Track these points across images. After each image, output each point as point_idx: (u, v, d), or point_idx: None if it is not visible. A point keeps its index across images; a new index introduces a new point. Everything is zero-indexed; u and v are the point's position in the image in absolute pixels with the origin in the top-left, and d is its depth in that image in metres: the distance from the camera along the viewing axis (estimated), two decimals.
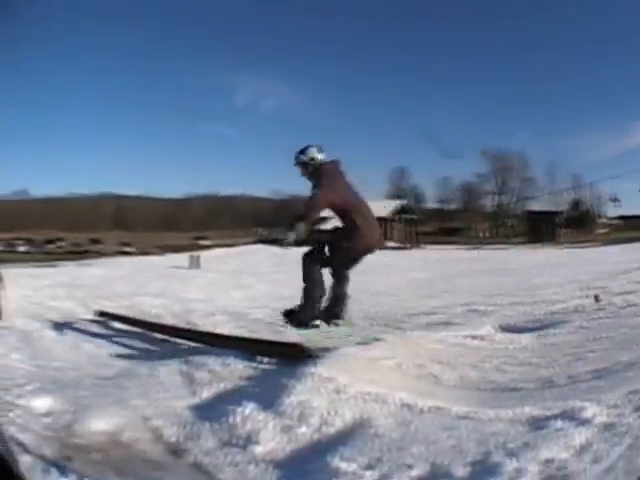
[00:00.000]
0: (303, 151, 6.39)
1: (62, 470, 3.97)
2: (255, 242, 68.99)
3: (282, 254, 39.92)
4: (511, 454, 3.05)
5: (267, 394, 5.02)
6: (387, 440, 3.69)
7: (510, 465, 2.92)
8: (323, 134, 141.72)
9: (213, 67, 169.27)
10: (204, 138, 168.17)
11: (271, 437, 4.22)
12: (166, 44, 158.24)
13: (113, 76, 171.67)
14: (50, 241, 69.09)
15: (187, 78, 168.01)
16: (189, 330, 9.99)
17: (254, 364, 6.70)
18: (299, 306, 7.01)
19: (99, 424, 5.00)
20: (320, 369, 5.19)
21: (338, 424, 4.19)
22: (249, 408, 4.70)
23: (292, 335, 9.24)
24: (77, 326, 11.08)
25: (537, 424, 3.60)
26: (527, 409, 3.87)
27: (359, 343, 6.49)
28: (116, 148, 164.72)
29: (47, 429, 4.92)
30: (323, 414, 4.32)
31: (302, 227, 6.52)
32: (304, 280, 6.89)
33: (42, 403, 5.58)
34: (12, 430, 4.56)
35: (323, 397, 4.58)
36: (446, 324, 9.24)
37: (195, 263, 31.16)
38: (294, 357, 6.21)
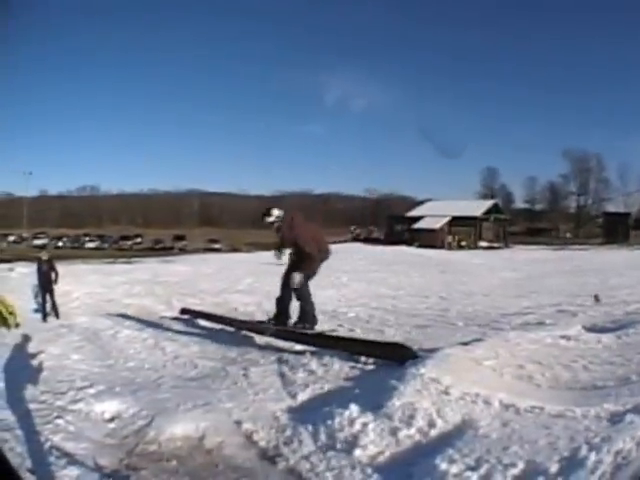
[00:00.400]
0: (268, 213, 8.79)
1: None
2: (350, 240, 73.09)
3: (380, 252, 41.20)
4: (593, 448, 3.60)
5: (371, 395, 5.17)
6: (489, 441, 4.02)
7: (592, 458, 3.47)
8: (412, 134, 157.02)
9: (304, 67, 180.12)
10: (296, 137, 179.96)
11: (375, 440, 4.38)
12: (256, 42, 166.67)
13: (203, 75, 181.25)
14: (126, 237, 72.46)
15: (278, 78, 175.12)
16: (283, 329, 9.97)
17: (354, 364, 6.92)
18: (274, 316, 9.14)
19: (178, 429, 5.06)
20: (425, 370, 5.42)
21: (443, 426, 4.42)
22: (353, 410, 4.81)
23: (393, 334, 9.91)
24: (157, 324, 11.43)
25: (614, 419, 4.22)
26: (606, 406, 4.53)
27: None
28: (204, 145, 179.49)
29: (109, 436, 5.05)
30: (429, 416, 4.52)
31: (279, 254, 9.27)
32: (300, 299, 8.72)
33: (106, 407, 5.73)
34: (56, 439, 4.68)
35: (429, 399, 4.81)
36: (539, 324, 10.11)
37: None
38: (397, 357, 6.47)
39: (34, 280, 14.44)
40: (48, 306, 13.73)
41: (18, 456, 4.17)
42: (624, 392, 4.90)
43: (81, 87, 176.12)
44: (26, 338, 8.92)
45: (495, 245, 62.42)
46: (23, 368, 7.31)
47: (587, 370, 5.98)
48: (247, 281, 21.11)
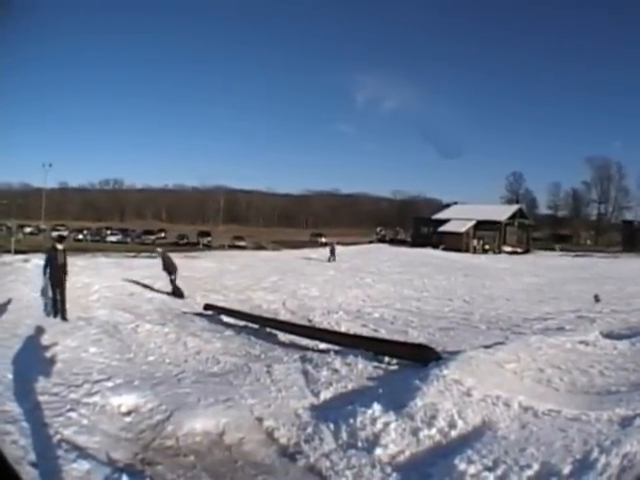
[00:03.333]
0: None
1: (136, 476, 3.96)
2: (376, 241, 73.40)
3: (405, 254, 41.92)
4: (604, 450, 3.87)
5: (394, 395, 5.27)
6: (507, 442, 4.20)
7: (602, 460, 3.74)
8: (439, 136, 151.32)
9: (334, 67, 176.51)
10: (325, 136, 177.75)
11: (396, 439, 4.48)
12: (286, 41, 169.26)
13: (233, 72, 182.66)
14: (149, 232, 71.91)
15: (308, 76, 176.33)
16: (307, 327, 10.04)
17: (378, 364, 7.04)
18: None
19: (197, 424, 5.09)
20: (448, 371, 5.58)
21: (464, 427, 4.56)
22: (375, 409, 4.90)
23: (417, 336, 10.12)
24: (180, 319, 11.61)
25: (625, 423, 4.50)
26: (618, 410, 4.81)
27: None
28: (232, 142, 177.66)
29: (125, 430, 5.07)
30: (450, 417, 4.66)
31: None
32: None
33: (124, 401, 5.75)
34: (67, 432, 4.70)
35: (451, 400, 4.95)
36: (560, 329, 10.46)
37: (332, 256, 35.06)
38: (421, 358, 6.61)
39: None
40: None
41: (21, 449, 4.20)
42: (635, 397, 5.25)
43: (107, 80, 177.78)
44: (40, 330, 8.94)
45: (518, 250, 63.11)
46: (36, 360, 7.39)
47: (602, 375, 6.33)
48: (272, 279, 21.13)
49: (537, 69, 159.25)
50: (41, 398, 5.64)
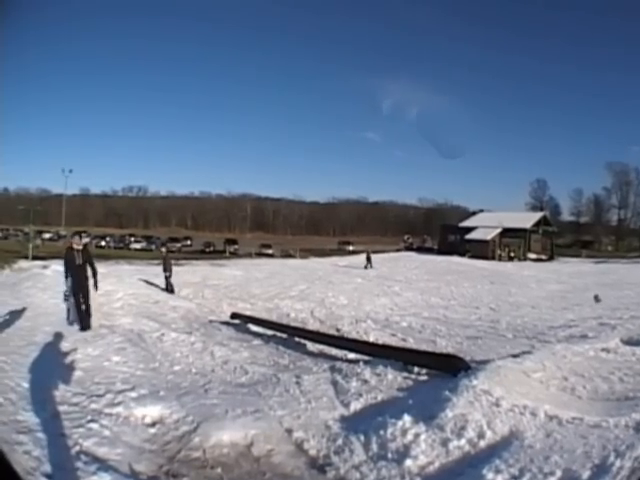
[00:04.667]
0: None
1: None
2: (403, 249, 75.35)
3: (432, 262, 42.66)
4: (619, 455, 4.09)
5: (424, 406, 5.29)
6: (533, 451, 4.35)
7: (617, 464, 3.95)
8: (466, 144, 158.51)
9: (362, 74, 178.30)
10: (352, 143, 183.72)
11: (426, 450, 4.49)
12: (313, 49, 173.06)
13: (259, 81, 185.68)
14: (174, 239, 71.92)
15: (334, 82, 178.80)
16: (336, 337, 10.02)
17: (407, 374, 7.04)
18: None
19: (225, 436, 5.06)
20: (478, 382, 5.65)
21: (492, 437, 4.61)
22: (406, 421, 4.90)
23: (445, 345, 10.36)
24: (206, 328, 11.59)
25: (639, 427, 4.72)
26: (634, 415, 4.99)
27: None
28: (259, 150, 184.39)
29: (149, 442, 5.02)
30: (479, 427, 4.70)
31: None
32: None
33: (148, 411, 5.70)
34: (87, 444, 4.64)
35: (480, 410, 5.00)
36: (583, 337, 10.66)
37: (369, 263, 37.76)
38: (450, 369, 6.64)
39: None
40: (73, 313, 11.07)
41: (34, 460, 4.14)
42: None
43: (132, 87, 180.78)
44: (59, 337, 8.90)
45: (543, 257, 65.05)
46: (54, 369, 7.29)
47: (622, 382, 6.55)
48: (300, 287, 21.27)
49: (560, 77, 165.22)
50: (59, 408, 5.61)
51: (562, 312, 16.15)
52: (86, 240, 63.01)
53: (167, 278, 18.41)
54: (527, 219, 70.10)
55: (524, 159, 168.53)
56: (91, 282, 11.05)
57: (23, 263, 24.77)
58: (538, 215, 74.10)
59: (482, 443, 4.50)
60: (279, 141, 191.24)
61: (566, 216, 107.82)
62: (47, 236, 66.38)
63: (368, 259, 37.75)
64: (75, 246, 11.04)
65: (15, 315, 10.94)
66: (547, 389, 5.97)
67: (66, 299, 11.17)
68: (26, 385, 6.34)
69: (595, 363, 7.28)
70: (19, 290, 14.38)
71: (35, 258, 28.24)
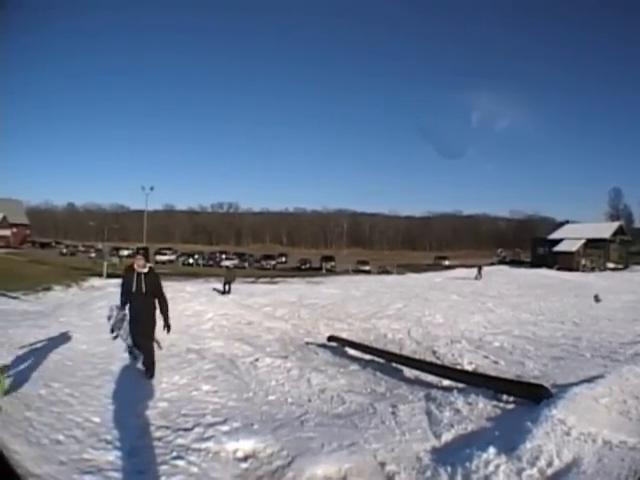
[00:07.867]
0: None
1: None
2: (497, 262, 78.09)
3: (523, 275, 42.93)
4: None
5: (507, 437, 5.42)
6: (586, 476, 4.58)
7: None
8: (557, 156, 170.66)
9: (453, 87, 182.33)
10: (442, 157, 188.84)
11: None
12: (403, 61, 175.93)
13: (353, 98, 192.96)
14: (269, 256, 71.81)
15: (427, 97, 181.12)
16: (431, 363, 10.03)
17: (497, 402, 7.11)
18: None
19: (318, 470, 5.17)
20: (556, 411, 5.79)
21: (558, 465, 4.78)
22: (490, 453, 5.04)
23: (532, 367, 10.56)
24: (302, 352, 11.78)
25: None
26: None
27: None
28: (354, 166, 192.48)
29: (240, 477, 5.08)
30: (550, 456, 4.87)
31: None
32: None
33: (240, 446, 5.71)
34: None
35: (554, 440, 5.15)
36: None
37: (479, 274, 43.58)
38: (535, 397, 6.81)
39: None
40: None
41: None
42: None
43: (221, 105, 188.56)
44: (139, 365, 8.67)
45: (620, 266, 67.78)
46: (133, 400, 7.18)
47: None
48: (397, 306, 21.20)
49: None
50: (138, 443, 5.65)
51: (632, 325, 17.40)
52: (172, 257, 63.97)
53: (227, 283, 23.33)
54: (606, 229, 73.47)
55: (602, 166, 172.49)
56: (158, 318, 8.49)
57: (95, 281, 25.84)
58: (615, 225, 77.08)
59: (549, 471, 4.69)
60: (374, 157, 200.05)
61: (638, 224, 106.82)
62: (125, 253, 63.90)
63: (479, 271, 44.01)
64: (137, 268, 8.54)
65: (84, 339, 10.84)
66: (609, 414, 6.10)
67: (114, 338, 8.99)
68: (97, 420, 6.24)
69: None
70: (90, 310, 14.72)
71: (110, 276, 28.14)
